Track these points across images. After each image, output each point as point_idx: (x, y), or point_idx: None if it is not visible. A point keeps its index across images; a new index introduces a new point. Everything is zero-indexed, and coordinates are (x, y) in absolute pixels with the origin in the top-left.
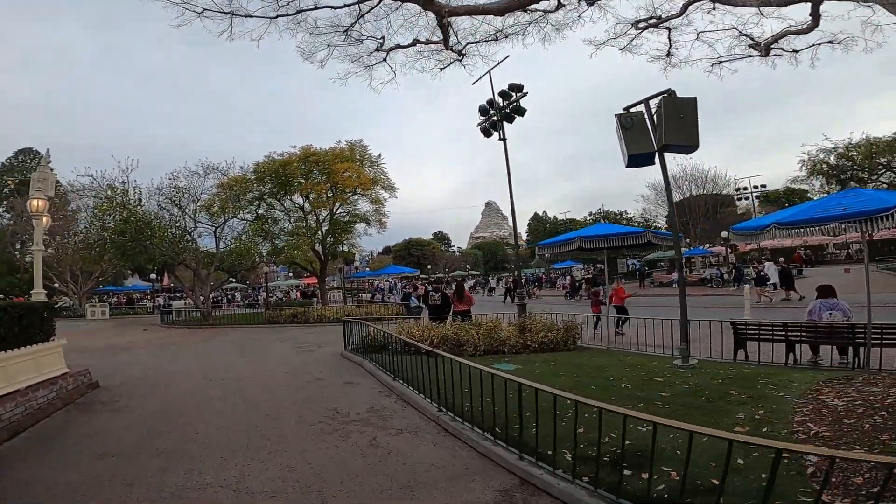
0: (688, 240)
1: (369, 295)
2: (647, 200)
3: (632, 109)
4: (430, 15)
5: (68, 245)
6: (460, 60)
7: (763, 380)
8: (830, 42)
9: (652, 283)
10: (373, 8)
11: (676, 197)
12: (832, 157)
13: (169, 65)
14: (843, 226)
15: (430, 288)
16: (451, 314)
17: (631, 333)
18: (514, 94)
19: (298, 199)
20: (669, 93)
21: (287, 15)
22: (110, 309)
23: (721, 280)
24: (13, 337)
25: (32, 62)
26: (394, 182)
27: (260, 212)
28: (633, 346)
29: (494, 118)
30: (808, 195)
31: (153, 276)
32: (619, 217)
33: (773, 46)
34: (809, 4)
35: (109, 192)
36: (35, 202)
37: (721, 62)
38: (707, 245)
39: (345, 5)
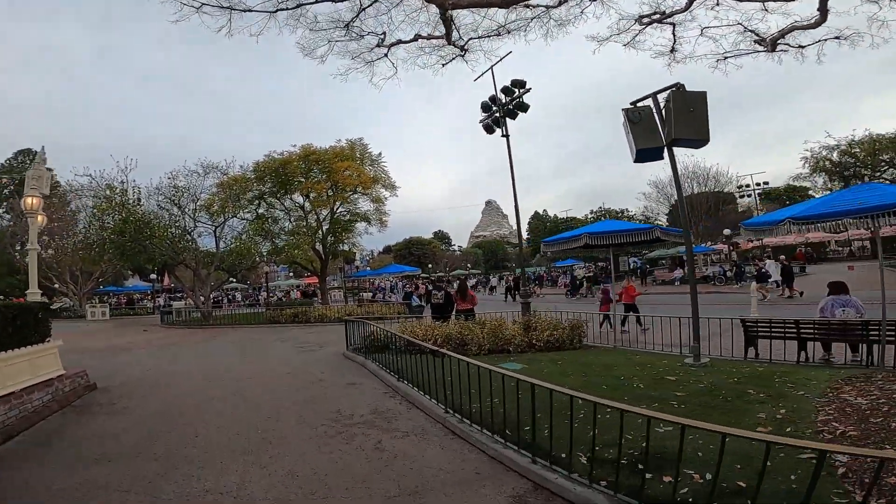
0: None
1: (370, 294)
2: (648, 198)
3: (639, 104)
4: (432, 11)
5: (68, 245)
6: (462, 56)
7: (779, 378)
8: (837, 38)
9: (654, 281)
10: (374, 2)
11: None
12: (835, 154)
13: (169, 65)
14: (849, 222)
15: (430, 287)
16: (454, 313)
17: (637, 332)
18: (517, 90)
19: (299, 198)
20: (678, 87)
21: (287, 9)
22: (110, 309)
23: (724, 277)
24: (7, 338)
25: (32, 62)
26: (394, 180)
27: (260, 211)
28: (639, 344)
29: (497, 114)
30: (810, 192)
31: (153, 276)
32: (620, 215)
33: (779, 42)
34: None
35: (108, 192)
36: (29, 200)
37: (726, 58)
38: (709, 242)
39: None
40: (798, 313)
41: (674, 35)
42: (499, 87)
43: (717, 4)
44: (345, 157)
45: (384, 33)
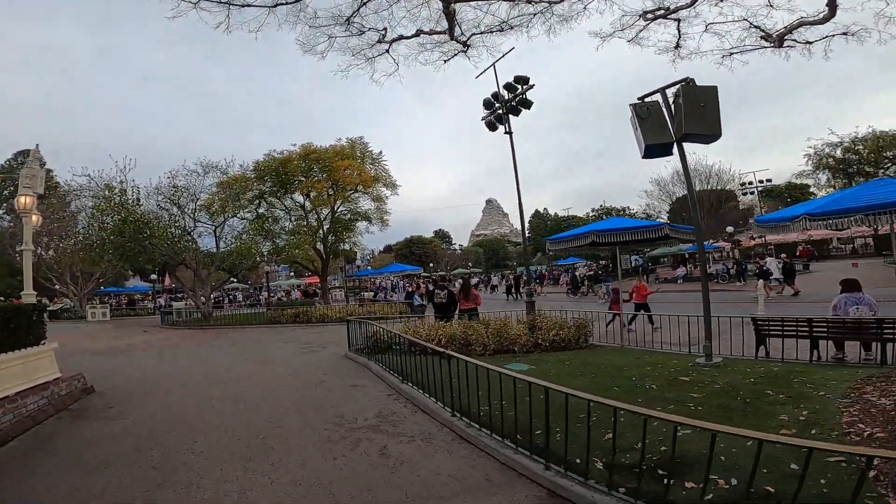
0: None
1: (372, 294)
2: (650, 196)
3: (647, 99)
4: (433, 7)
5: (67, 246)
6: (465, 52)
7: (797, 378)
8: (844, 34)
9: (657, 279)
10: None
11: (680, 192)
12: (838, 151)
13: (169, 65)
14: (852, 219)
15: (430, 286)
16: (457, 312)
17: (644, 331)
18: (520, 86)
19: (299, 197)
20: (688, 81)
21: (286, 3)
22: (111, 310)
23: (728, 275)
24: (0, 341)
25: (32, 62)
26: (395, 179)
27: (260, 211)
28: (646, 343)
29: (500, 111)
30: (811, 190)
31: (154, 277)
32: (621, 213)
33: (786, 38)
34: None
35: (107, 192)
36: (23, 199)
37: (732, 54)
38: (710, 240)
39: None
40: (800, 311)
41: (679, 31)
42: (501, 84)
43: (722, 0)
44: (345, 155)
45: (385, 29)
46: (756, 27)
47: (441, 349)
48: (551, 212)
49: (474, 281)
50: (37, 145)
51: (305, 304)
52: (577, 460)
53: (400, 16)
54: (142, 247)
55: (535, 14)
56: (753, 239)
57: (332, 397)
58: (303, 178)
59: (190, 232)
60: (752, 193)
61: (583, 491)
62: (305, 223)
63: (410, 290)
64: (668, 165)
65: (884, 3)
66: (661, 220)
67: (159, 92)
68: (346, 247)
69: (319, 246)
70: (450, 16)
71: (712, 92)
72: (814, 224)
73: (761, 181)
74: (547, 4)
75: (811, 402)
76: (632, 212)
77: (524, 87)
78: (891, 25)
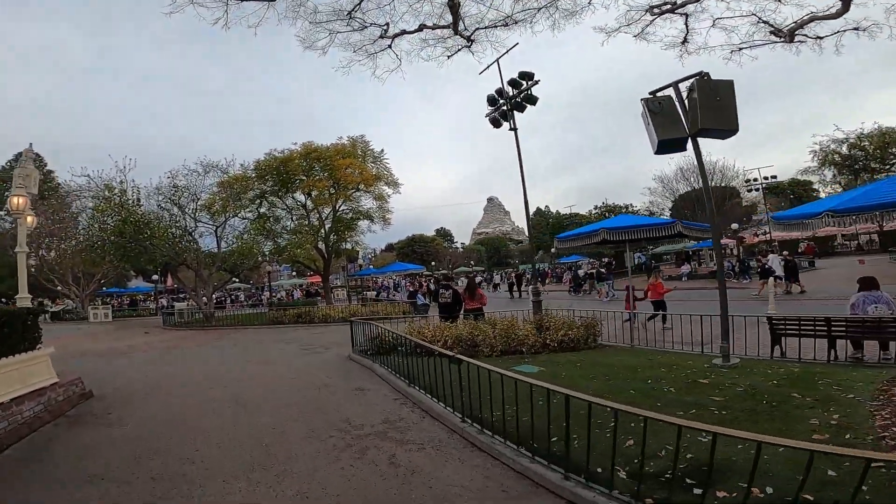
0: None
1: (374, 293)
2: (653, 193)
3: (659, 94)
4: (436, 2)
5: (68, 248)
6: (469, 46)
7: (821, 380)
8: (856, 29)
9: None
10: None
11: (684, 189)
12: (844, 148)
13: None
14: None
15: (433, 285)
16: (462, 312)
17: (655, 330)
18: (525, 81)
19: (300, 196)
20: (703, 75)
21: None
22: (113, 311)
23: (733, 272)
24: None
25: (32, 62)
26: (396, 177)
27: (261, 210)
28: (656, 343)
29: (504, 108)
30: (814, 186)
31: (156, 277)
32: (624, 210)
33: (797, 32)
34: None
35: (107, 193)
36: (15, 199)
37: (741, 49)
38: None
39: None
40: (809, 308)
41: (686, 26)
42: (505, 80)
43: None
44: (346, 154)
45: (387, 24)
46: (765, 22)
47: (448, 351)
48: (553, 210)
49: (478, 279)
50: (30, 144)
51: (308, 303)
52: (599, 469)
53: (402, 11)
54: (142, 247)
55: (539, 9)
56: (757, 236)
57: (338, 401)
58: (304, 177)
59: (191, 232)
60: (756, 190)
61: (606, 502)
62: (307, 222)
63: (412, 289)
64: (671, 162)
65: None
66: (664, 217)
67: (159, 91)
68: (348, 246)
69: (321, 245)
70: (454, 9)
71: (728, 86)
72: (833, 220)
73: (766, 178)
74: None
75: (840, 405)
76: (635, 209)
77: (529, 82)
78: None
